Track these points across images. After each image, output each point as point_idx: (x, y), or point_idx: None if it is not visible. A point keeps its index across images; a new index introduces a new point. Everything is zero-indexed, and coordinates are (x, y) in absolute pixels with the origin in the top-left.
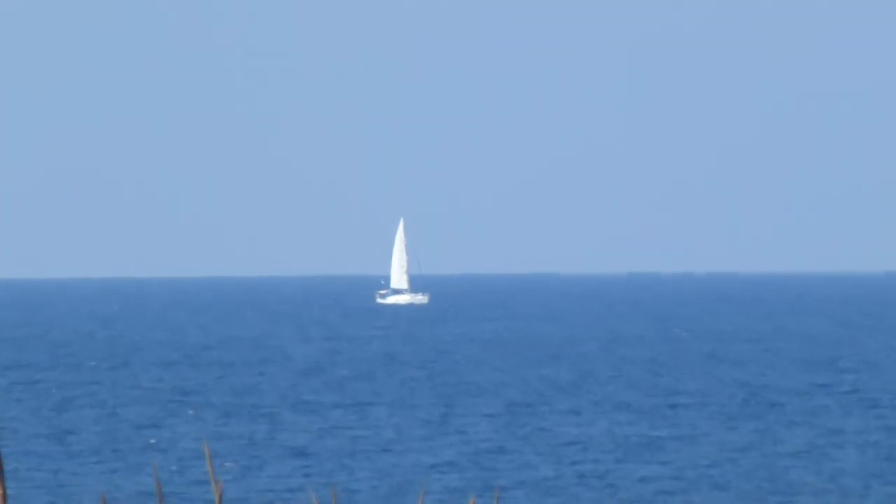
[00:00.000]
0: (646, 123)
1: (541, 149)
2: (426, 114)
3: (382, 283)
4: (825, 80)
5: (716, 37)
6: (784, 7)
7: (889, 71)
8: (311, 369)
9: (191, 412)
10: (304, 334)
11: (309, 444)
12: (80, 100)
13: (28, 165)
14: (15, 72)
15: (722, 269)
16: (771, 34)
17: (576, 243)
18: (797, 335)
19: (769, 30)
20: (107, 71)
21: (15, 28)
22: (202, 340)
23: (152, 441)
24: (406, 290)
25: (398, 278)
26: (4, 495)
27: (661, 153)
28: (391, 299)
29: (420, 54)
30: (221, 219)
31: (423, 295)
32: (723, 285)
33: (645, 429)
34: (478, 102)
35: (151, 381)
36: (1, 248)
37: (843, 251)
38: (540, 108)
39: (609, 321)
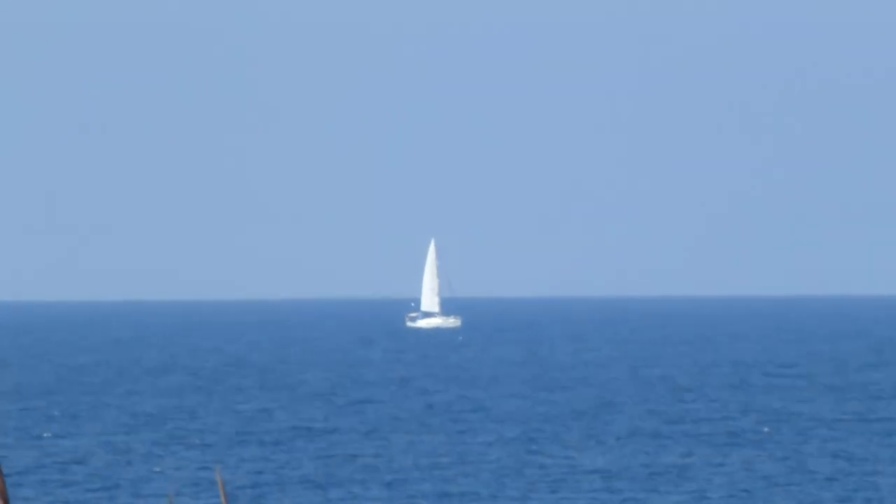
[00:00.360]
0: (678, 144)
1: (575, 171)
2: (460, 135)
3: (413, 305)
4: (851, 79)
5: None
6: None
7: None
8: (327, 393)
9: (197, 441)
10: (324, 359)
11: (320, 471)
12: (80, 116)
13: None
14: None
15: (779, 294)
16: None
17: (608, 266)
18: (829, 359)
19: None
20: (114, 81)
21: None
22: (222, 362)
23: (157, 470)
24: (437, 313)
25: (429, 301)
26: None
27: (693, 175)
28: (422, 322)
29: (454, 72)
30: (255, 241)
31: (454, 318)
32: (771, 310)
33: (671, 457)
34: (512, 123)
35: (156, 407)
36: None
37: (875, 273)
38: (574, 128)
39: (638, 345)
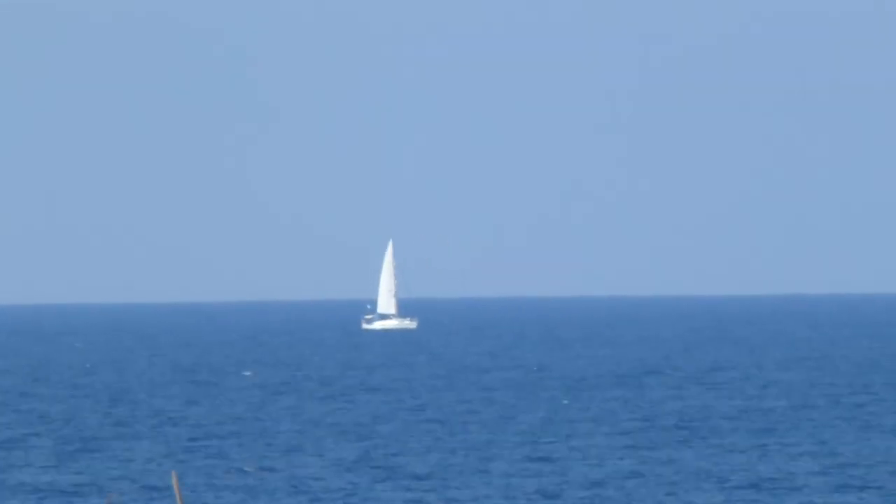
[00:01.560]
0: (661, 143)
1: (533, 169)
2: (416, 134)
3: (368, 307)
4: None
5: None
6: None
7: None
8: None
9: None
10: (270, 360)
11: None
12: (79, 115)
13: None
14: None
15: (782, 292)
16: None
17: (569, 266)
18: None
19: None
20: (112, 88)
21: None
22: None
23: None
24: (394, 315)
25: (386, 302)
26: None
27: (678, 173)
28: (378, 324)
29: (407, 68)
30: (207, 243)
31: (411, 320)
32: (775, 307)
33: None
34: (469, 121)
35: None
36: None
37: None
38: (534, 126)
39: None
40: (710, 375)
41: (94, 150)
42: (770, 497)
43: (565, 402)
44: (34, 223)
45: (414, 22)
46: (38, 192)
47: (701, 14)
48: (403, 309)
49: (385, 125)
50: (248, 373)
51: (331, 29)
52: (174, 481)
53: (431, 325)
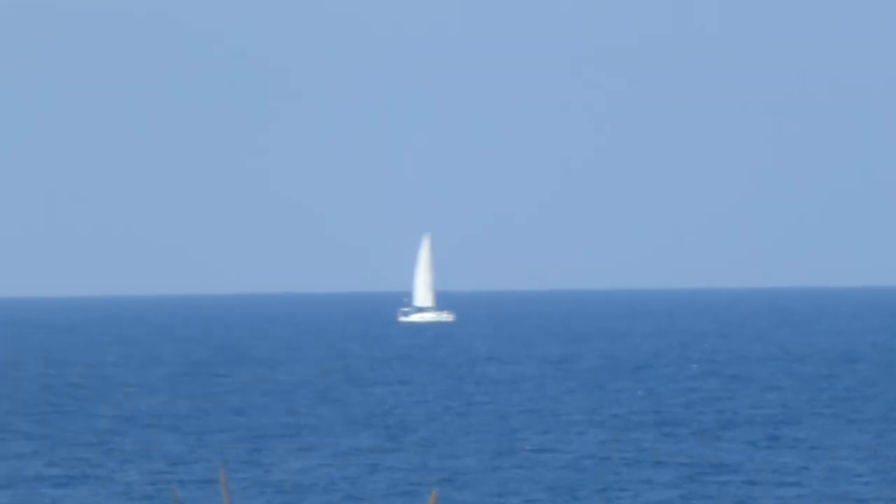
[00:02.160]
0: (678, 133)
1: (569, 162)
2: (453, 129)
3: (405, 300)
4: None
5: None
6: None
7: None
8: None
9: (192, 439)
10: (309, 354)
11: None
12: (78, 114)
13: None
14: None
15: (790, 285)
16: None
17: (605, 259)
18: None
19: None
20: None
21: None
22: (204, 357)
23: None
24: (431, 308)
25: (423, 296)
26: None
27: (699, 164)
28: (415, 317)
29: (446, 66)
30: (247, 235)
31: (447, 313)
32: (793, 300)
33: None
34: (505, 114)
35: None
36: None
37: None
38: (568, 118)
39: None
40: None
41: (126, 148)
42: None
43: (639, 393)
44: (66, 221)
45: (442, 17)
46: (63, 193)
47: (702, 10)
48: (441, 302)
49: (422, 120)
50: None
51: (350, 25)
52: (222, 477)
53: (468, 319)
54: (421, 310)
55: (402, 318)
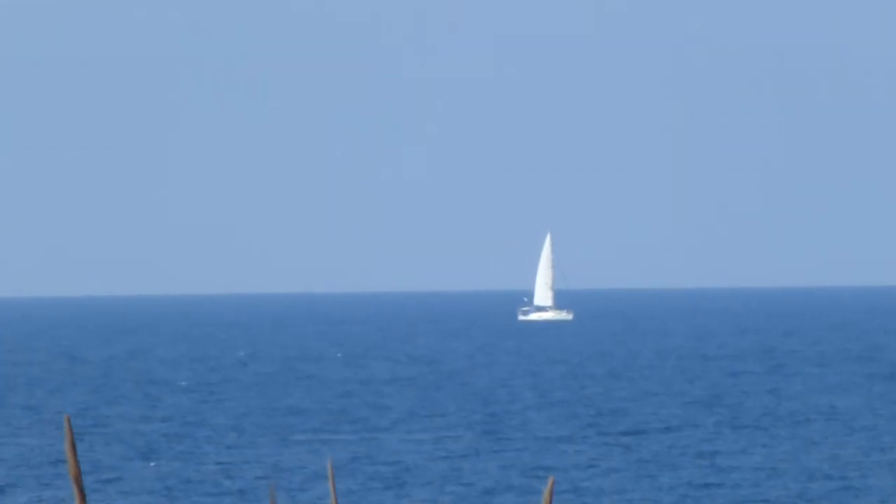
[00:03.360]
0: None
1: (688, 160)
2: (574, 127)
3: (525, 299)
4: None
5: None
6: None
7: None
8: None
9: (262, 436)
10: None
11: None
12: (78, 113)
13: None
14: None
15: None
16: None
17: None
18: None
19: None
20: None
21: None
22: (292, 354)
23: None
24: (550, 307)
25: (542, 294)
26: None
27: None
28: (533, 316)
29: (564, 63)
30: (368, 233)
31: (566, 312)
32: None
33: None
34: (625, 111)
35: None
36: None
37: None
38: (686, 117)
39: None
40: None
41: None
42: None
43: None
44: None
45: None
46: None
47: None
48: (560, 301)
49: (540, 117)
50: None
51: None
52: (329, 471)
53: (587, 318)
54: (540, 308)
55: (521, 317)
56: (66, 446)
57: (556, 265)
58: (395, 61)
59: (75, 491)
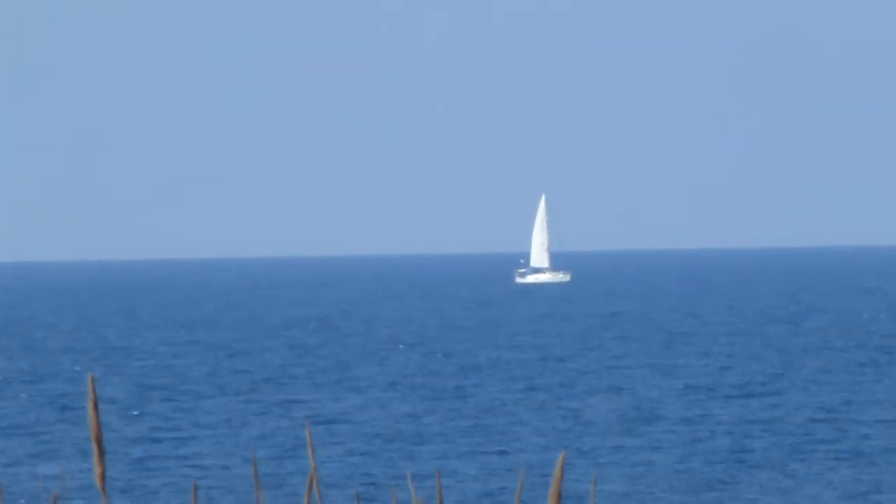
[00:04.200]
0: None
1: (681, 119)
2: (568, 88)
3: (522, 261)
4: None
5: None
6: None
7: None
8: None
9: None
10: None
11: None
12: (80, 112)
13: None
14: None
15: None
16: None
17: (717, 216)
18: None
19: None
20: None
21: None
22: (272, 321)
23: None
24: (547, 269)
25: (538, 256)
26: (103, 475)
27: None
28: (531, 278)
29: (557, 30)
30: (365, 195)
31: (564, 273)
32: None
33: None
34: (617, 74)
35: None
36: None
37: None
38: (677, 80)
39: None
40: None
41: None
42: None
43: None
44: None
45: None
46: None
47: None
48: (556, 262)
49: (542, 80)
50: None
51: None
52: (308, 434)
53: (585, 279)
54: (537, 270)
55: (519, 280)
56: (89, 406)
57: (552, 227)
58: (394, 59)
59: (94, 450)
